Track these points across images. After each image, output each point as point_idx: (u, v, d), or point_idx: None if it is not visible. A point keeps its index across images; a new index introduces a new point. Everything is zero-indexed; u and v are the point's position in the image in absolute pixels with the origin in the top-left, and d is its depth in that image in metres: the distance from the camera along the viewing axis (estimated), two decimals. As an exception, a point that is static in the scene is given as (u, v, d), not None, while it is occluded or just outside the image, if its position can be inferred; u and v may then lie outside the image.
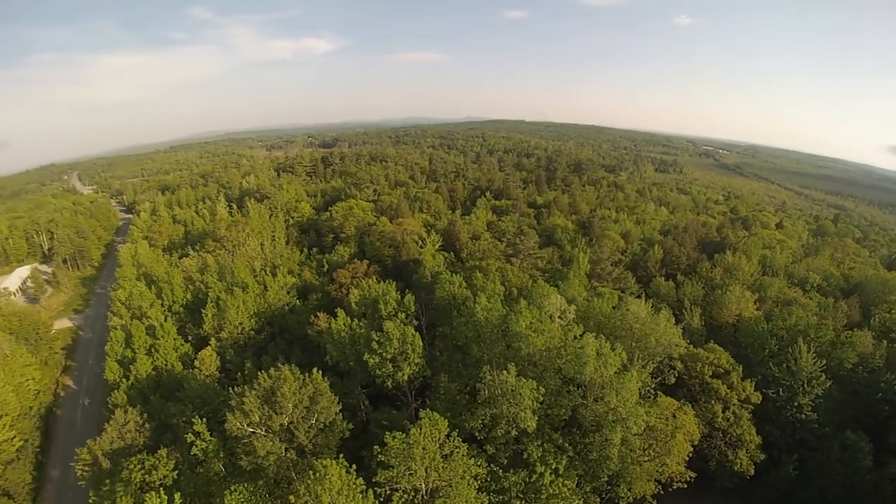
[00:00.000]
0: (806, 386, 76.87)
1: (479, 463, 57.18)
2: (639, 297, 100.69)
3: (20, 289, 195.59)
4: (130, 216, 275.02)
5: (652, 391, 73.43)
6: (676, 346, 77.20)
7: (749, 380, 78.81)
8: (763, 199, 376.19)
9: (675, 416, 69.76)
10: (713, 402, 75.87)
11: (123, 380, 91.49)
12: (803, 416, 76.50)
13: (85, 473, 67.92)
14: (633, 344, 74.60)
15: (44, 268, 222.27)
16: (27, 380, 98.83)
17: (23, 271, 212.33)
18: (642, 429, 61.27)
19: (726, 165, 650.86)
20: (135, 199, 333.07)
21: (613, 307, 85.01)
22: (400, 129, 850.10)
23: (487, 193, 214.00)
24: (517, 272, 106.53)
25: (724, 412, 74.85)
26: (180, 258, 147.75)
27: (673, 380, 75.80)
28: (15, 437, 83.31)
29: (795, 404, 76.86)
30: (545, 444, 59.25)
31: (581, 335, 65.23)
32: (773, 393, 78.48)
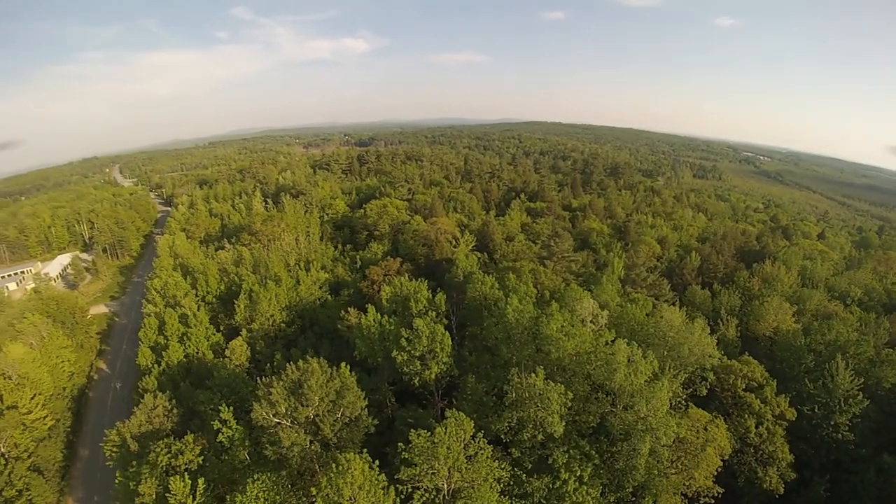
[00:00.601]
0: (843, 404, 73.92)
1: (502, 466, 56.02)
2: (673, 304, 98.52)
3: (60, 275, 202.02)
4: (169, 209, 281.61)
5: (683, 402, 71.49)
6: (710, 356, 75.04)
7: (784, 395, 76.25)
8: (804, 209, 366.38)
9: (706, 429, 67.70)
10: (746, 416, 73.47)
11: (155, 365, 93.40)
12: (839, 435, 73.49)
13: (113, 454, 69.65)
14: (666, 352, 72.65)
15: (84, 256, 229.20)
16: (62, 361, 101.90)
17: (64, 258, 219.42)
18: (672, 440, 59.59)
19: (767, 172, 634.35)
20: (173, 192, 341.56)
21: (647, 314, 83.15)
22: (436, 129, 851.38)
23: (522, 195, 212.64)
24: (550, 275, 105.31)
25: (756, 427, 72.33)
26: (216, 250, 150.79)
27: (705, 391, 73.82)
28: (48, 415, 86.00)
29: (831, 423, 73.98)
30: (571, 451, 57.84)
31: (613, 341, 63.83)
32: (808, 410, 75.74)
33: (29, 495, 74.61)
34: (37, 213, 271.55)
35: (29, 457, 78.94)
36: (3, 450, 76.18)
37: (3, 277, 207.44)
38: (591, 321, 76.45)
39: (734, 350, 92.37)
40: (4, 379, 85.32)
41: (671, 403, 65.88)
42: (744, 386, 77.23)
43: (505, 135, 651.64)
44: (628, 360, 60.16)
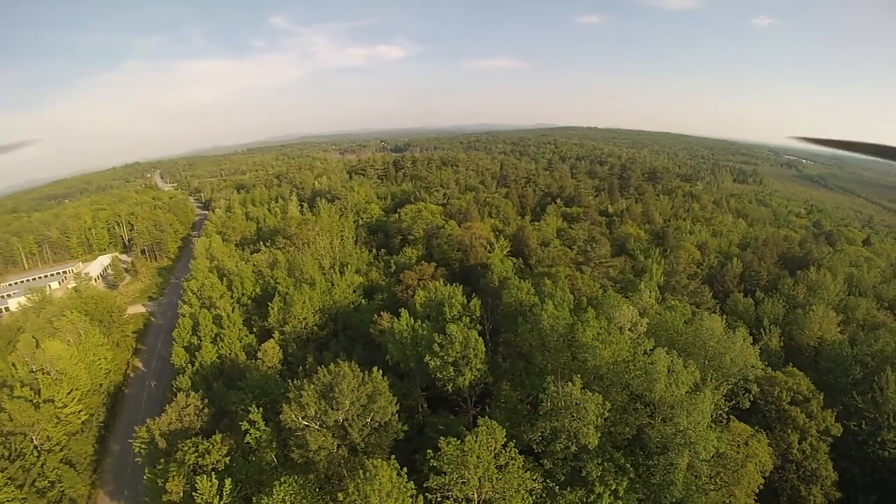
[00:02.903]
0: (892, 420, 70.40)
1: (534, 477, 54.09)
2: (714, 312, 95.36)
3: (101, 275, 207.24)
4: (207, 212, 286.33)
5: (724, 415, 68.57)
6: (753, 367, 71.83)
7: (830, 409, 72.80)
8: (848, 214, 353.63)
9: (747, 444, 64.85)
10: (790, 431, 70.10)
11: (189, 365, 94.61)
12: (886, 453, 69.90)
13: (142, 451, 70.59)
14: (707, 363, 69.76)
15: (123, 257, 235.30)
16: (99, 359, 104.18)
17: (104, 259, 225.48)
18: (711, 455, 56.71)
19: (809, 177, 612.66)
20: (212, 196, 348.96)
21: (686, 322, 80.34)
22: (471, 135, 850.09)
23: (558, 200, 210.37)
24: (587, 280, 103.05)
25: (800, 443, 69.00)
26: (251, 253, 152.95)
27: (747, 404, 70.41)
28: (82, 410, 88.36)
29: (879, 440, 70.44)
30: (606, 463, 55.47)
31: (652, 350, 61.47)
32: (854, 426, 72.31)
33: (61, 487, 76.59)
34: (79, 215, 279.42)
35: (61, 450, 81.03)
36: (36, 442, 78.15)
37: (45, 276, 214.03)
38: (629, 329, 73.97)
39: (777, 361, 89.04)
40: (43, 374, 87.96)
41: (712, 416, 63.23)
42: (789, 399, 73.81)
43: (541, 140, 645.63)
44: (668, 370, 57.93)
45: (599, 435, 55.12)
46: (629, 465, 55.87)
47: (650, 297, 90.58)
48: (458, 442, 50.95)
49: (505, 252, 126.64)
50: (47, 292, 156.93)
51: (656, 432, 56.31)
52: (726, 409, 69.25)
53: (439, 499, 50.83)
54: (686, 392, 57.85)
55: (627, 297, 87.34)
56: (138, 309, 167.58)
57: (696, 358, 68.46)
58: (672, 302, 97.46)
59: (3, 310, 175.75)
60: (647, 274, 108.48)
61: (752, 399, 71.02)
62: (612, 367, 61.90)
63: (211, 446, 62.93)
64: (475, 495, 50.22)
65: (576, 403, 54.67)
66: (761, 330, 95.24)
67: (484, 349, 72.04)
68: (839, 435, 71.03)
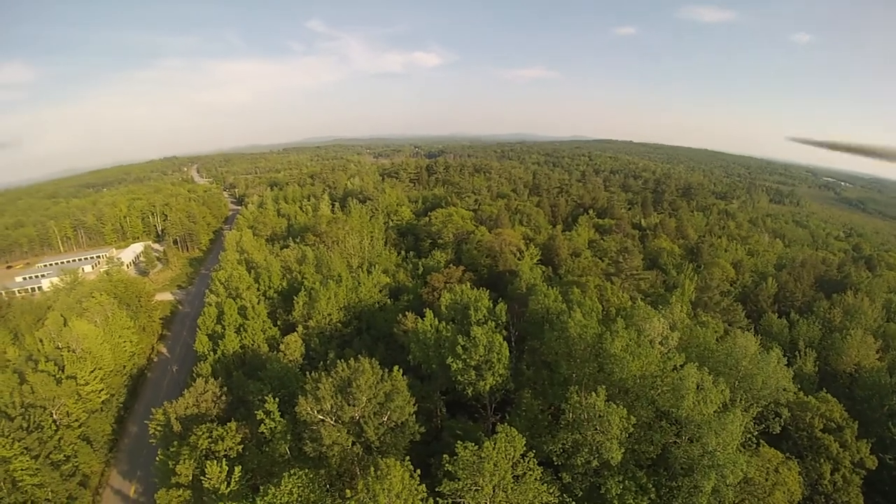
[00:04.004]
0: (931, 457, 66.81)
1: (551, 490, 51.82)
2: (747, 331, 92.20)
3: (133, 262, 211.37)
4: (240, 208, 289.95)
5: (754, 439, 65.70)
6: (786, 390, 69.23)
7: (864, 440, 69.52)
8: (889, 239, 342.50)
9: (777, 471, 61.97)
10: (822, 460, 67.12)
11: (211, 353, 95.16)
12: (921, 491, 66.29)
13: (157, 432, 71.31)
14: (737, 383, 67.08)
15: (156, 246, 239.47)
16: (124, 341, 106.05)
17: (137, 247, 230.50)
18: (738, 479, 53.84)
19: (848, 200, 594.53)
20: (246, 192, 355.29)
21: (718, 339, 77.44)
22: (505, 144, 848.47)
23: (591, 211, 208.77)
24: (617, 291, 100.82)
25: (832, 474, 66.02)
26: (281, 248, 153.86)
27: (778, 429, 67.77)
28: (103, 389, 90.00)
29: (915, 476, 66.92)
30: (627, 482, 53.21)
31: (682, 365, 59.14)
32: (890, 459, 68.95)
33: (76, 462, 78.21)
34: (115, 203, 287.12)
35: (79, 426, 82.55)
36: (55, 416, 79.34)
37: (79, 260, 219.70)
38: (659, 342, 71.53)
39: (811, 386, 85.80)
40: (68, 351, 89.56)
41: (741, 439, 60.53)
42: (822, 426, 70.69)
43: (575, 152, 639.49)
44: (697, 387, 55.60)
45: (623, 451, 52.93)
46: (651, 486, 53.61)
47: (682, 311, 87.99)
48: (476, 447, 49.38)
49: (535, 260, 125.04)
50: (79, 275, 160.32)
51: (682, 452, 54.01)
52: (756, 433, 66.42)
53: (450, 504, 49.34)
54: (715, 411, 55.50)
55: (658, 311, 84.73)
56: (167, 296, 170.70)
57: (727, 377, 65.66)
58: (704, 318, 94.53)
59: (36, 289, 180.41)
60: (679, 289, 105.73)
61: (782, 424, 68.42)
62: (639, 380, 59.50)
63: (225, 433, 63.03)
64: (488, 504, 48.62)
65: (599, 416, 52.64)
66: (796, 353, 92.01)
67: (508, 355, 70.44)
68: (873, 468, 67.89)
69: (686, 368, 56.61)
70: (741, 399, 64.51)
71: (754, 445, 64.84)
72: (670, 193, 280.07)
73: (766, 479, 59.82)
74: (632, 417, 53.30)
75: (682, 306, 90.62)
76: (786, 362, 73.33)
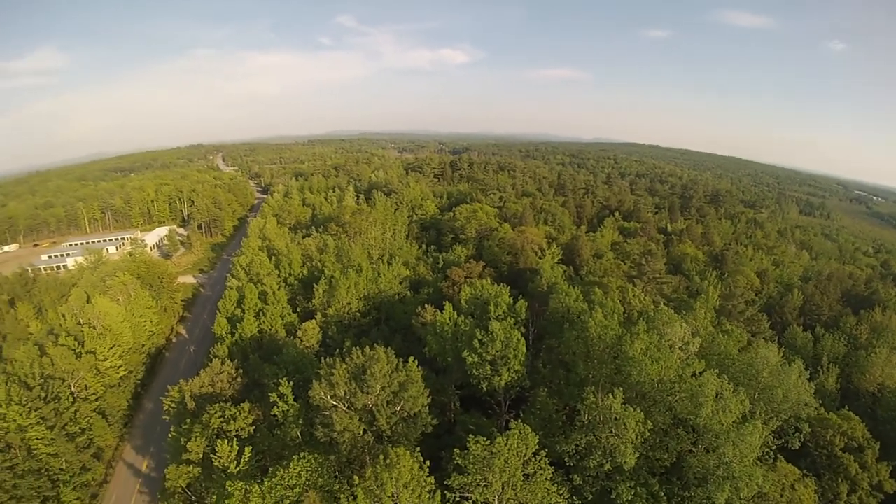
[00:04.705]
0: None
1: (561, 492, 50.89)
2: (770, 342, 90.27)
3: (157, 245, 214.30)
4: (265, 196, 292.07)
5: (771, 453, 64.28)
6: (807, 405, 67.53)
7: (885, 463, 67.61)
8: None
9: (793, 488, 60.42)
10: (840, 480, 65.27)
11: (229, 335, 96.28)
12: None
13: (171, 409, 72.56)
14: (757, 394, 65.58)
15: (180, 230, 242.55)
16: (145, 320, 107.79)
17: (161, 230, 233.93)
18: (753, 493, 52.26)
19: (880, 214, 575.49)
20: (271, 181, 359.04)
21: (740, 349, 75.72)
22: (530, 143, 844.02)
23: (616, 213, 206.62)
24: (639, 294, 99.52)
25: (849, 495, 64.26)
26: (303, 237, 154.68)
27: (797, 444, 66.20)
28: (121, 366, 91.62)
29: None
30: (638, 488, 52.04)
31: (701, 372, 57.79)
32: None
33: (91, 434, 79.84)
34: (143, 188, 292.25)
35: (96, 400, 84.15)
36: (73, 389, 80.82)
37: (105, 241, 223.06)
38: (679, 347, 70.15)
39: (832, 403, 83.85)
40: (89, 327, 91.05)
41: (758, 452, 59.11)
42: (842, 445, 68.86)
43: (600, 154, 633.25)
44: (717, 396, 54.31)
45: (637, 456, 51.94)
46: (663, 494, 52.46)
47: (705, 318, 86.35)
48: (487, 442, 48.79)
49: (556, 259, 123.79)
50: (104, 255, 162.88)
51: (697, 462, 52.81)
52: (774, 448, 65.07)
53: (458, 499, 48.71)
54: (734, 422, 54.26)
55: (681, 316, 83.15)
56: (189, 280, 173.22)
57: (747, 388, 64.21)
58: (728, 327, 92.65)
59: (61, 267, 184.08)
60: (703, 296, 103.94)
61: (801, 440, 66.76)
62: (658, 385, 58.41)
63: (238, 413, 63.47)
64: (496, 501, 47.89)
65: (615, 418, 51.74)
66: (818, 367, 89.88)
67: (524, 351, 69.67)
68: (892, 493, 66.04)
69: (706, 375, 55.44)
70: (760, 412, 62.93)
71: (771, 460, 63.52)
72: (698, 199, 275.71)
73: (782, 496, 58.34)
74: (648, 422, 52.35)
75: (705, 313, 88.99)
76: (808, 376, 71.76)
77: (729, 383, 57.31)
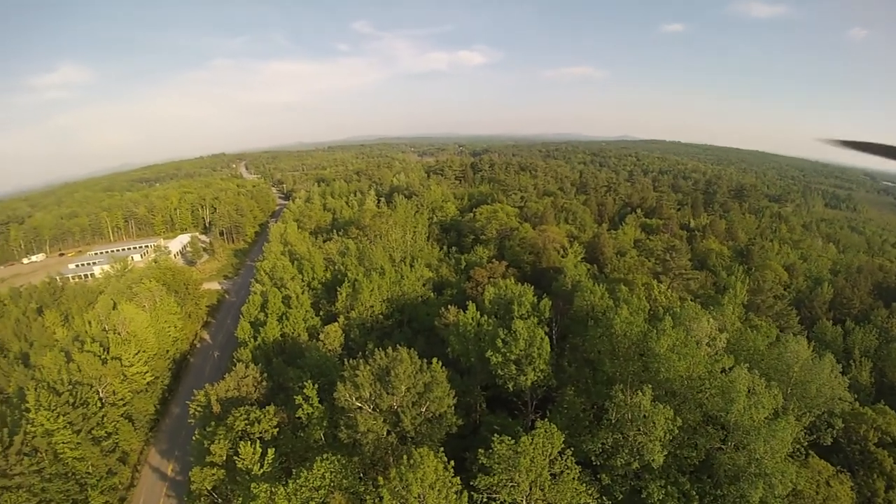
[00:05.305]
0: None
1: (589, 491, 50.10)
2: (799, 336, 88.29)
3: (180, 252, 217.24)
4: (287, 202, 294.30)
5: (803, 449, 62.64)
6: (840, 400, 65.82)
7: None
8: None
9: (828, 484, 58.84)
10: (875, 476, 63.14)
11: (252, 340, 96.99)
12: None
13: (197, 413, 72.97)
14: (789, 390, 64.08)
15: (203, 237, 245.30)
16: (170, 326, 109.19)
17: (184, 238, 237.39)
18: (787, 491, 51.02)
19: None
20: (293, 187, 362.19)
21: (770, 344, 74.12)
22: (550, 143, 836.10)
23: (638, 210, 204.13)
24: (664, 290, 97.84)
25: (886, 492, 61.85)
26: (324, 241, 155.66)
27: (829, 440, 64.63)
28: (147, 371, 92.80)
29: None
30: (669, 487, 50.88)
31: (731, 368, 56.44)
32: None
33: (117, 438, 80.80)
34: (167, 196, 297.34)
35: (124, 405, 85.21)
36: (101, 394, 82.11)
37: (129, 249, 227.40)
38: (707, 343, 68.72)
39: (866, 397, 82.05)
40: (114, 333, 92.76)
41: (790, 449, 57.61)
42: (876, 440, 66.89)
43: (622, 152, 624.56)
44: (748, 391, 52.98)
45: (665, 454, 50.88)
46: (694, 493, 51.22)
47: (733, 313, 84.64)
48: (513, 442, 48.13)
49: (579, 258, 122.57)
50: (129, 262, 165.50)
51: (728, 459, 51.54)
52: (806, 444, 63.47)
53: (485, 499, 48.08)
54: (765, 418, 52.83)
55: (708, 311, 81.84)
56: (213, 286, 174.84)
57: (779, 383, 62.64)
58: (756, 321, 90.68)
59: (88, 275, 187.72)
60: (730, 291, 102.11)
61: (834, 435, 65.23)
62: (686, 381, 57.11)
63: (262, 416, 63.66)
64: (524, 501, 47.25)
65: (644, 416, 50.69)
66: (850, 362, 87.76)
67: (549, 350, 68.67)
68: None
69: (736, 371, 54.07)
70: (794, 408, 61.46)
71: (803, 456, 61.91)
72: (721, 195, 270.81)
73: (817, 493, 56.61)
74: (678, 419, 51.27)
75: (733, 308, 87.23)
76: (840, 370, 70.07)
77: (761, 378, 55.78)
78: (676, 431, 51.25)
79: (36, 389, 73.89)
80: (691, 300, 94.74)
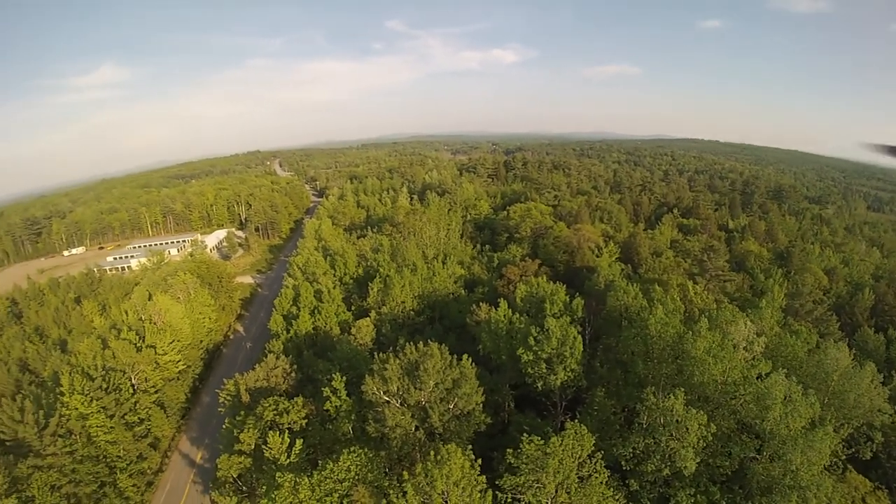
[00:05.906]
0: None
1: (617, 497, 49.37)
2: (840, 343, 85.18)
3: (216, 246, 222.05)
4: (321, 199, 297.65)
5: (840, 463, 60.74)
6: (880, 411, 63.58)
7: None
8: None
9: (864, 502, 57.03)
10: (915, 493, 61.32)
11: (284, 332, 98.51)
12: None
13: (227, 402, 74.39)
14: (828, 399, 61.98)
15: (238, 233, 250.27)
16: (204, 318, 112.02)
17: (220, 233, 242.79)
18: (822, 505, 49.26)
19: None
20: (327, 185, 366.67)
21: (809, 351, 71.77)
22: (584, 142, 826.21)
23: (675, 210, 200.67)
24: (700, 292, 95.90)
25: (926, 512, 60.11)
26: (358, 238, 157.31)
27: (869, 454, 62.61)
28: (180, 360, 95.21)
29: None
30: (699, 496, 49.85)
31: (768, 374, 54.47)
32: None
33: (149, 424, 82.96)
34: (203, 193, 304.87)
35: (156, 392, 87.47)
36: (134, 381, 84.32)
37: (166, 243, 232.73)
38: (744, 347, 66.65)
39: (907, 410, 78.32)
40: (149, 323, 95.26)
41: (827, 462, 55.56)
42: (918, 456, 64.65)
43: (657, 151, 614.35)
44: (784, 399, 51.10)
45: (697, 461, 49.63)
46: (724, 503, 50.13)
47: (771, 317, 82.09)
48: (542, 442, 47.63)
49: (614, 258, 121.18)
50: (166, 256, 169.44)
51: (762, 469, 50.09)
52: (843, 457, 61.48)
53: (510, 500, 47.61)
54: (802, 427, 50.91)
55: (746, 314, 79.19)
56: (247, 280, 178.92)
57: (816, 391, 60.43)
58: (796, 326, 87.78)
59: (126, 268, 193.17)
60: (769, 294, 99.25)
61: (873, 450, 63.18)
62: (721, 387, 55.69)
63: (291, 407, 64.41)
64: (548, 503, 46.71)
65: (677, 421, 49.54)
66: (892, 372, 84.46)
67: (581, 349, 67.81)
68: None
69: (773, 377, 52.27)
70: (831, 418, 59.44)
71: (840, 470, 60.01)
72: (760, 195, 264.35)
73: (853, 509, 55.01)
74: (711, 425, 50.02)
75: (771, 312, 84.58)
76: (881, 380, 67.55)
77: (798, 385, 54.01)
78: (710, 438, 49.98)
79: (70, 374, 76.03)
80: (728, 302, 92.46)
